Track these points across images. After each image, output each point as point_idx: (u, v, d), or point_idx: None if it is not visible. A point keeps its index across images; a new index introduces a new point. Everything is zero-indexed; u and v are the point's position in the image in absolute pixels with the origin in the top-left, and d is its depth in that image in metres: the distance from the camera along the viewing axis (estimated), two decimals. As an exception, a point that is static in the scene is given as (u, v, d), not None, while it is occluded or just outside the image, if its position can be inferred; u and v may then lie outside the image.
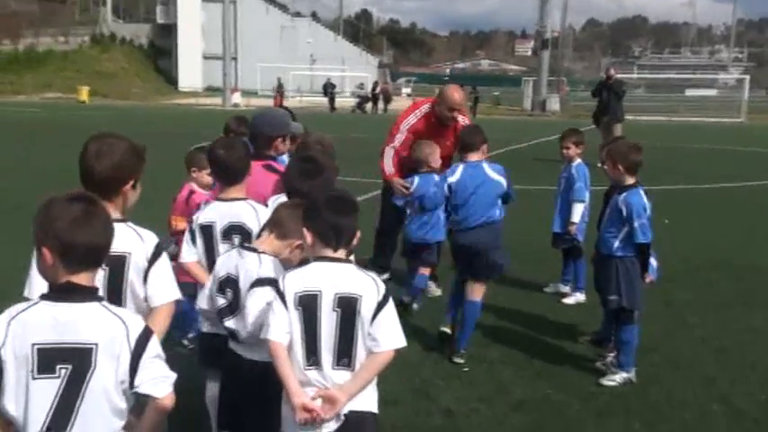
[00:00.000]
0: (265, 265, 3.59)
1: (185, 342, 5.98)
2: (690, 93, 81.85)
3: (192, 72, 69.44)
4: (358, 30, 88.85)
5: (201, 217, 4.28)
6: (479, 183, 6.08)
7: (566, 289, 8.09)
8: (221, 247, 4.17)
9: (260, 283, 3.53)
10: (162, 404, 2.64)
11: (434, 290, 8.04)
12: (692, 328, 7.23)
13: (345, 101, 58.07)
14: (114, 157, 3.27)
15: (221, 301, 3.73)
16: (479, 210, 6.09)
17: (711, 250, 10.63)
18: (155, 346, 2.66)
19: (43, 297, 2.59)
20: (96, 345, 2.54)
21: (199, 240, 4.24)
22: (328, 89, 56.16)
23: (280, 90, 54.49)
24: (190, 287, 4.27)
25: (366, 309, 3.22)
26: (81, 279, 2.59)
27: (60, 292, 2.58)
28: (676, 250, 10.10)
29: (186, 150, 6.63)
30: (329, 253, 3.30)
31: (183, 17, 70.09)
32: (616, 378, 5.83)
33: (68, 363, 2.53)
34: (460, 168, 6.19)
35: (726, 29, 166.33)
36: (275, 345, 3.26)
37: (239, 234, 4.16)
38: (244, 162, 4.29)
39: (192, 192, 6.02)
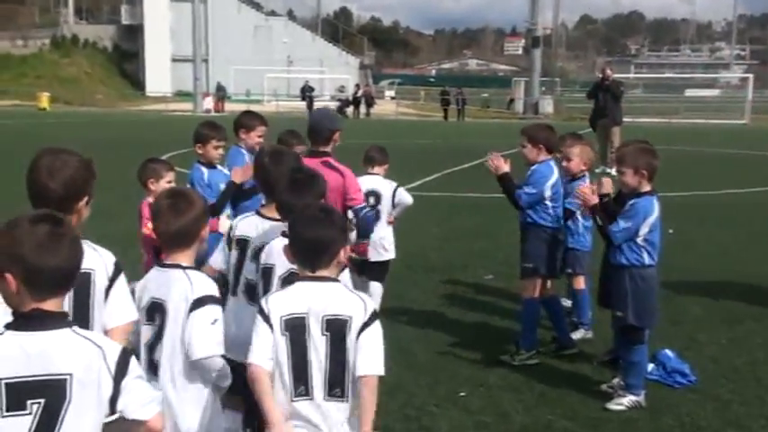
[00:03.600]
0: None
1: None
2: (690, 93, 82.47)
3: (160, 76, 69.28)
4: (337, 29, 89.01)
5: (239, 229, 4.35)
6: None
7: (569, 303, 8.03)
8: (250, 266, 4.23)
9: None
10: (150, 427, 2.61)
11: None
12: (702, 347, 7.19)
13: (325, 105, 57.97)
14: (68, 173, 3.24)
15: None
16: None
17: (720, 262, 10.63)
18: (135, 368, 2.63)
19: (8, 326, 2.52)
20: (71, 375, 2.49)
21: (234, 252, 4.34)
22: (306, 92, 56.20)
23: (219, 93, 54.40)
24: None
25: (356, 331, 3.21)
26: (49, 305, 2.53)
27: (27, 321, 2.51)
28: (682, 263, 10.08)
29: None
30: (309, 273, 3.29)
31: (149, 17, 70.02)
32: (624, 402, 5.77)
33: (40, 397, 2.47)
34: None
35: (726, 25, 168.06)
36: (258, 369, 3.20)
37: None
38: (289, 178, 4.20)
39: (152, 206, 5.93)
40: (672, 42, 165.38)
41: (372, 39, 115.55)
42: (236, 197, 5.96)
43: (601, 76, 21.85)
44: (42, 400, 2.47)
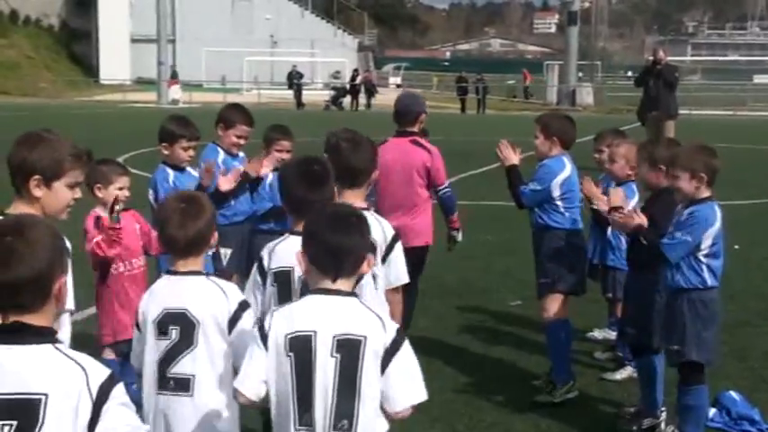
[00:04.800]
0: None
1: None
2: (759, 79, 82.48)
3: (117, 60, 69.42)
4: (331, 3, 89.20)
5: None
6: None
7: (614, 335, 8.04)
8: None
9: None
10: None
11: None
12: (775, 388, 7.19)
13: (317, 94, 58.18)
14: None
15: None
16: None
17: (796, 284, 10.61)
18: (120, 395, 2.74)
19: None
20: (45, 395, 2.63)
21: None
22: (294, 80, 56.28)
23: (174, 78, 54.54)
24: None
25: (372, 354, 3.32)
26: (32, 318, 2.72)
27: (6, 334, 2.69)
28: (751, 285, 10.09)
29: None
30: (327, 284, 3.40)
31: (104, -11, 70.22)
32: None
33: (11, 419, 2.61)
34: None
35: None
36: (244, 400, 3.46)
37: None
38: (369, 164, 4.79)
39: (98, 218, 5.97)
40: (737, 18, 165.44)
41: (374, 15, 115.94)
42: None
43: (651, 59, 21.89)
44: (14, 423, 2.61)
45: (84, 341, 7.81)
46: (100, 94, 61.96)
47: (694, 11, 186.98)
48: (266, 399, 3.41)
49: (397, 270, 4.74)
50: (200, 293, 3.91)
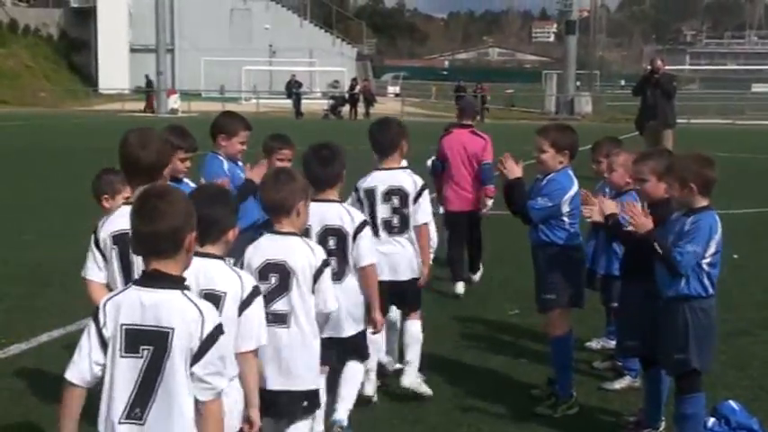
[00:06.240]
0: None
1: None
2: (758, 88, 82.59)
3: (116, 69, 69.36)
4: (330, 12, 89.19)
5: (365, 183, 6.78)
6: None
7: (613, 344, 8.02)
8: (381, 207, 6.68)
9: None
10: (208, 408, 3.61)
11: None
12: (775, 399, 7.18)
13: (315, 103, 58.21)
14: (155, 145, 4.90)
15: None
16: None
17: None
18: (221, 347, 3.63)
19: (134, 282, 3.72)
20: (173, 330, 3.53)
21: (365, 203, 6.72)
22: (293, 89, 56.31)
23: (149, 88, 54.56)
24: None
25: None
26: (167, 267, 3.63)
27: (147, 279, 3.64)
28: (750, 295, 10.09)
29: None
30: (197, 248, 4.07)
31: (104, -1, 70.22)
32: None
33: (149, 345, 3.54)
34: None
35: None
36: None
37: (398, 195, 6.71)
38: (395, 139, 6.88)
39: None
40: (735, 28, 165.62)
41: (373, 24, 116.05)
42: None
43: (650, 68, 21.89)
44: (151, 347, 3.53)
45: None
46: (98, 104, 62.00)
47: (693, 20, 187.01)
48: None
49: (423, 211, 6.78)
50: (296, 250, 5.08)
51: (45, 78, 68.68)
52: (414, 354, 6.89)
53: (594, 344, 8.28)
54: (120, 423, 3.54)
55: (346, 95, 56.28)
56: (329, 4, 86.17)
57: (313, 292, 5.10)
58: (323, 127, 42.95)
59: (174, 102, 54.98)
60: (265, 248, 5.12)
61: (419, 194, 6.64)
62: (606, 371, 7.69)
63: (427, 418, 6.59)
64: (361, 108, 54.40)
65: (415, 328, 6.93)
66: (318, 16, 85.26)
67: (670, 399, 6.11)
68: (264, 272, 5.04)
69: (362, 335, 5.94)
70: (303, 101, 55.60)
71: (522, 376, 7.60)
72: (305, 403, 5.19)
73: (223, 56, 65.79)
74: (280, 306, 5.04)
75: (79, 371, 3.65)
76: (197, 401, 3.58)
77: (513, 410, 6.78)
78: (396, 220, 6.70)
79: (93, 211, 6.13)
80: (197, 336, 3.53)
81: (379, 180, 6.74)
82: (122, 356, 3.53)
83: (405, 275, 6.75)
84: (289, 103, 55.95)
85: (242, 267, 4.93)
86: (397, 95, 71.62)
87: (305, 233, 5.41)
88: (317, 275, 5.07)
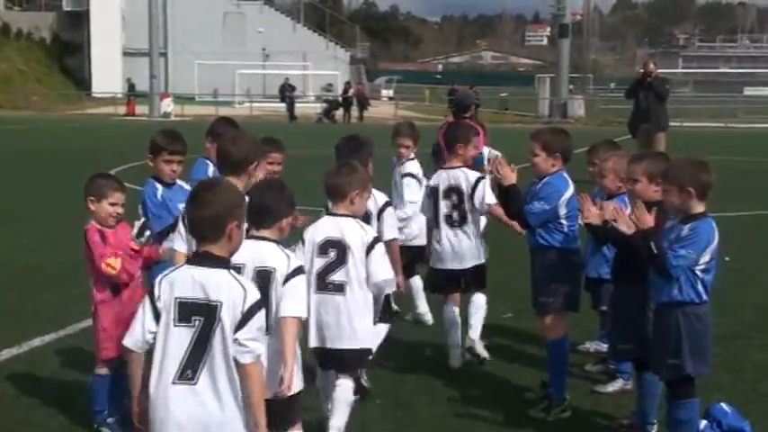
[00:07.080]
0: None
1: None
2: (750, 91, 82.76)
3: (109, 73, 69.26)
4: (323, 16, 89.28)
5: (433, 179, 7.82)
6: None
7: (606, 347, 8.02)
8: (443, 203, 7.62)
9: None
10: (246, 370, 4.12)
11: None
12: (766, 400, 7.19)
13: (309, 107, 58.19)
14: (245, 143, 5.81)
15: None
16: None
17: (788, 296, 10.62)
18: (258, 320, 4.16)
19: (188, 262, 4.32)
20: (221, 303, 4.08)
21: (427, 201, 7.87)
22: (286, 92, 56.29)
23: (131, 92, 54.53)
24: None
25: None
26: (214, 249, 4.18)
27: (199, 259, 4.21)
28: (743, 298, 10.10)
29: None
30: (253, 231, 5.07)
31: (96, 2, 70.22)
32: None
33: (200, 315, 4.09)
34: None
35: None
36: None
37: (456, 194, 7.57)
38: (462, 138, 7.88)
39: (100, 232, 6.00)
40: (727, 31, 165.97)
41: (366, 27, 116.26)
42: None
43: (642, 71, 21.95)
44: (202, 318, 4.08)
45: (76, 355, 7.82)
46: (91, 107, 61.87)
47: (685, 24, 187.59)
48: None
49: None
50: (351, 229, 5.84)
51: (38, 82, 68.62)
52: (478, 318, 7.75)
53: (588, 346, 8.28)
54: (173, 383, 4.08)
55: (340, 99, 56.22)
56: (323, 8, 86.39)
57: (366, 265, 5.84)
58: (316, 131, 42.94)
59: (167, 105, 54.89)
60: (324, 227, 5.90)
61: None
62: (599, 374, 7.70)
63: (420, 423, 6.59)
64: (354, 111, 54.42)
65: (480, 299, 7.87)
66: (312, 20, 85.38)
67: (662, 402, 6.12)
68: (324, 247, 5.82)
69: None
70: (297, 104, 55.57)
71: (515, 379, 7.61)
72: (360, 358, 6.00)
73: (216, 59, 65.82)
74: (338, 277, 5.80)
75: (134, 338, 4.23)
76: (238, 364, 4.08)
77: (507, 414, 6.78)
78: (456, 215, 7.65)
79: (87, 216, 6.15)
80: (240, 308, 4.08)
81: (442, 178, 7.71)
82: (176, 325, 4.10)
83: (469, 263, 7.73)
84: (282, 106, 55.90)
85: (303, 244, 5.86)
86: (390, 99, 71.70)
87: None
88: (369, 250, 5.81)
